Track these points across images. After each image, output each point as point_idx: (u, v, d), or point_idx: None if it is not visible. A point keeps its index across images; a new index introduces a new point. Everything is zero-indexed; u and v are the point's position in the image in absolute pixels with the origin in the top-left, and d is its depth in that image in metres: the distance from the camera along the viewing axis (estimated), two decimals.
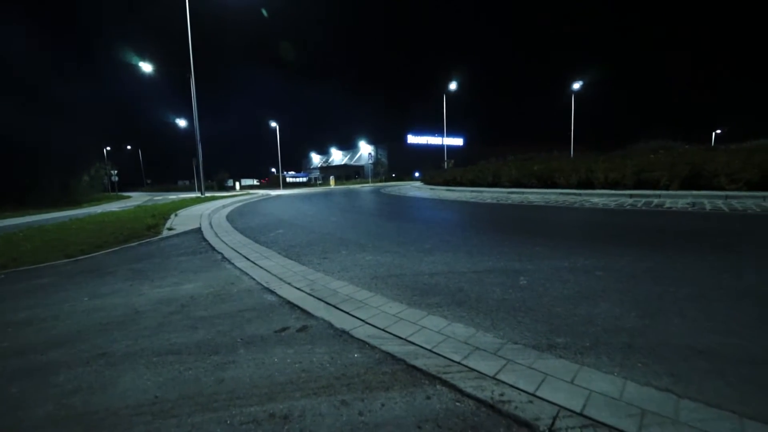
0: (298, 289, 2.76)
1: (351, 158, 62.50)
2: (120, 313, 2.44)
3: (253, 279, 3.10)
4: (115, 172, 36.12)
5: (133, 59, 17.15)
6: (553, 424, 1.20)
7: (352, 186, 33.39)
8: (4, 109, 18.69)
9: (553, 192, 10.68)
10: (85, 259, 4.36)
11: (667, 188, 8.68)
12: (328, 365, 1.63)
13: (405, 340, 1.84)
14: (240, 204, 12.97)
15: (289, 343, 1.86)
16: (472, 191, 13.51)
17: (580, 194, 9.76)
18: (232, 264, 3.68)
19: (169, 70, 18.44)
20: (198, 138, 16.32)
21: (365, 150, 59.68)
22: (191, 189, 37.79)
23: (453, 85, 34.52)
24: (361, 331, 1.96)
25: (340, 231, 5.62)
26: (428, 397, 1.37)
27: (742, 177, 7.42)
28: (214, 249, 4.52)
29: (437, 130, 49.51)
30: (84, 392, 1.52)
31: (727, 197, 7.21)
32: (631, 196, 8.58)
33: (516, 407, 1.28)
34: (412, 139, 57.16)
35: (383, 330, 1.97)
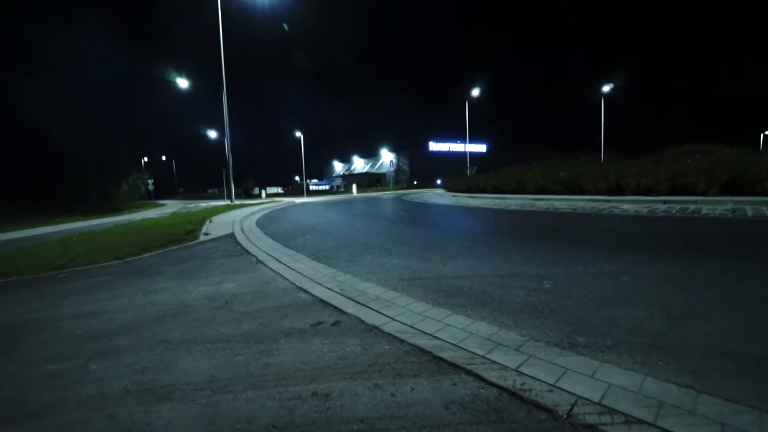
0: (329, 289, 2.95)
1: (372, 166, 63.16)
2: (172, 307, 2.71)
3: (287, 279, 3.32)
4: (151, 181, 38.15)
5: (170, 75, 18.24)
6: (571, 410, 1.31)
7: (373, 193, 33.80)
8: (60, 123, 20.36)
9: (581, 198, 10.50)
10: (134, 261, 4.75)
11: (704, 194, 8.39)
12: (361, 354, 1.80)
13: (431, 335, 1.99)
14: (267, 211, 13.46)
15: (324, 335, 2.05)
16: (496, 198, 13.45)
17: (609, 200, 9.57)
18: (267, 266, 3.93)
19: (202, 85, 19.48)
20: (229, 148, 17.09)
21: (386, 158, 60.14)
22: (220, 197, 39.35)
23: (476, 92, 34.45)
24: (390, 327, 2.12)
25: (364, 237, 5.81)
26: (454, 384, 1.51)
27: None
28: (248, 252, 4.81)
29: (459, 137, 49.42)
30: (151, 371, 1.76)
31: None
32: (665, 202, 8.35)
33: (536, 395, 1.40)
34: (433, 146, 57.20)
35: (410, 326, 2.12)
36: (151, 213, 18.03)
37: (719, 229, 5.15)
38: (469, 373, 1.58)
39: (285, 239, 5.83)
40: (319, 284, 3.08)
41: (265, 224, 8.42)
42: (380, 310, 2.39)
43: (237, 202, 18.64)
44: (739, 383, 1.45)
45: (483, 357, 1.72)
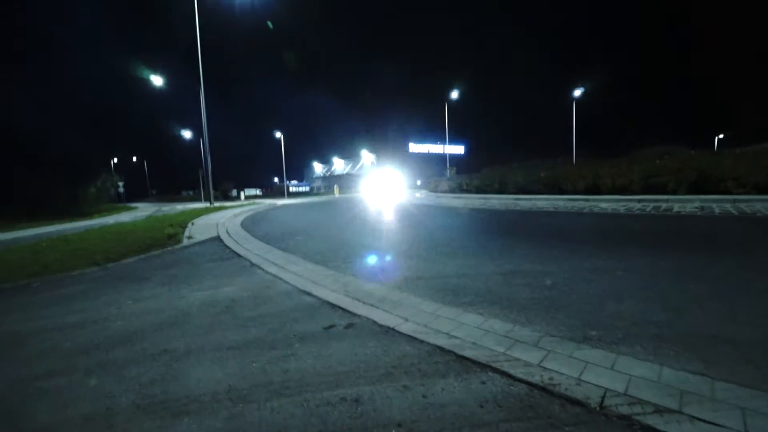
0: (334, 291, 2.89)
1: (353, 167, 62.93)
2: (169, 314, 2.58)
3: (287, 283, 3.23)
4: (122, 183, 36.55)
5: (143, 73, 17.55)
6: (602, 402, 1.33)
7: (356, 195, 33.69)
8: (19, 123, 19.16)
9: (561, 198, 10.81)
10: (114, 267, 4.51)
11: (674, 193, 8.80)
12: (382, 356, 1.76)
13: (448, 334, 1.97)
14: (250, 213, 13.14)
15: (340, 339, 2.00)
16: (479, 198, 13.65)
17: (588, 199, 9.88)
18: (262, 269, 3.82)
19: (176, 84, 18.85)
20: (207, 149, 16.60)
21: (367, 159, 60.07)
22: (196, 199, 38.11)
23: (454, 94, 34.93)
24: (406, 327, 2.09)
25: (357, 237, 5.76)
26: (483, 382, 1.49)
27: (750, 181, 7.55)
28: (239, 256, 4.66)
29: (438, 138, 49.88)
30: (160, 383, 1.66)
31: (735, 201, 7.32)
32: (639, 201, 8.70)
33: (566, 389, 1.41)
34: (413, 147, 57.58)
35: (425, 326, 2.10)
36: (123, 216, 17.26)
37: (693, 225, 5.40)
38: (495, 370, 1.58)
39: (276, 241, 5.69)
40: (322, 286, 3.01)
41: (250, 227, 8.20)
42: (391, 311, 2.36)
43: (216, 204, 18.12)
44: (747, 368, 1.52)
45: (504, 354, 1.72)
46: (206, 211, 13.56)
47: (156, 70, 17.22)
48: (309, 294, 2.85)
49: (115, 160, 49.74)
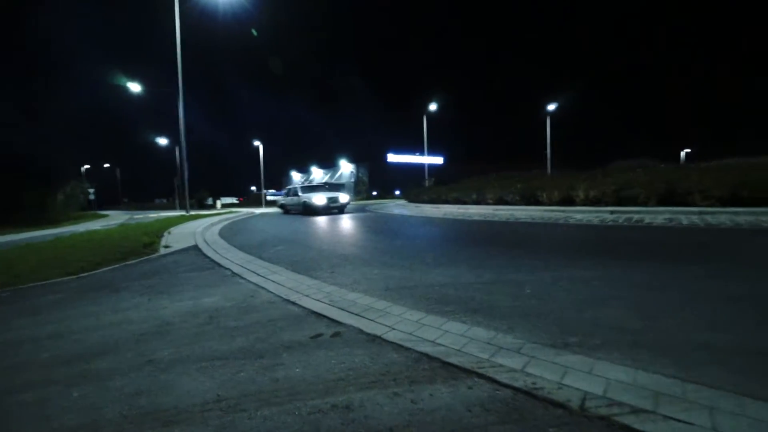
0: (318, 300, 2.90)
1: (332, 177, 62.77)
2: (151, 324, 2.53)
3: (271, 292, 3.22)
4: (92, 190, 35.24)
5: (118, 79, 17.13)
6: (582, 404, 1.40)
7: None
8: None
9: (537, 209, 11.13)
10: (89, 276, 4.37)
11: (645, 204, 9.22)
12: (370, 364, 1.79)
13: (434, 342, 2.02)
14: (228, 222, 12.93)
15: (327, 347, 2.02)
16: (458, 208, 13.89)
17: (563, 210, 10.22)
18: (245, 279, 3.79)
19: (152, 91, 18.47)
20: (184, 157, 16.27)
21: (346, 168, 60.06)
22: (170, 207, 37.10)
23: (433, 106, 35.63)
24: (391, 336, 2.13)
25: (339, 247, 5.77)
26: (470, 387, 1.55)
27: (714, 194, 8.01)
28: (220, 265, 4.60)
29: (417, 149, 50.34)
30: (147, 394, 1.63)
31: (701, 213, 7.74)
32: (612, 212, 9.07)
33: (549, 392, 1.48)
34: (392, 157, 57.92)
35: (411, 334, 2.14)
36: (94, 224, 16.62)
37: (663, 236, 5.69)
38: (480, 376, 1.63)
39: (256, 251, 5.63)
40: (307, 296, 3.02)
41: (229, 235, 8.08)
42: (377, 320, 2.39)
43: (192, 212, 17.71)
44: (718, 371, 1.62)
45: (489, 360, 1.78)
46: (182, 219, 13.25)
47: (131, 77, 16.87)
48: (294, 303, 2.86)
49: (87, 166, 47.98)
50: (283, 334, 2.24)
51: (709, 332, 2.05)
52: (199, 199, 44.94)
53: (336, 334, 2.20)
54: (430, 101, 35.75)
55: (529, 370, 1.68)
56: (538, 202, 12.01)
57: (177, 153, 16.33)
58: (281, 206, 17.83)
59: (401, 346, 1.98)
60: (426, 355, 1.87)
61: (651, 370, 1.65)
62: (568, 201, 11.14)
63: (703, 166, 11.99)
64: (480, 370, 1.68)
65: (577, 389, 1.51)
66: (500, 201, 13.30)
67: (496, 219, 9.80)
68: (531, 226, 7.91)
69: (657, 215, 8.16)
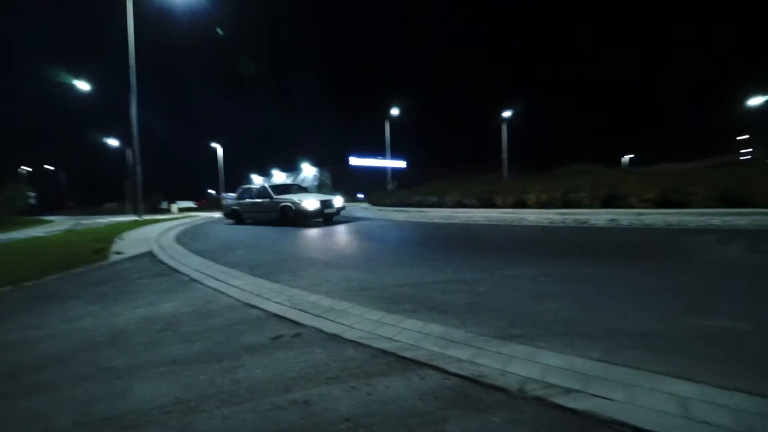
0: (279, 303, 2.92)
1: (294, 180, 61.73)
2: (105, 332, 2.45)
3: (231, 297, 3.19)
4: (33, 194, 32.44)
5: (63, 77, 15.99)
6: (522, 387, 1.55)
7: None
8: None
9: (494, 211, 11.63)
10: (35, 286, 4.09)
11: (589, 207, 9.92)
12: (330, 361, 1.86)
13: (391, 339, 2.13)
14: (185, 227, 12.42)
15: (288, 348, 2.06)
16: (420, 211, 14.18)
17: (517, 213, 10.75)
18: (203, 284, 3.71)
19: (102, 89, 17.42)
20: (138, 159, 15.45)
21: (308, 171, 59.32)
22: (120, 212, 34.86)
23: (395, 110, 36.14)
24: (351, 334, 2.21)
25: (301, 251, 5.76)
26: (422, 378, 1.66)
27: (649, 197, 8.77)
28: (177, 271, 4.46)
29: (381, 153, 50.68)
30: (103, 401, 1.61)
31: (639, 214, 8.44)
32: (561, 214, 9.66)
33: (492, 379, 1.62)
34: (355, 161, 57.97)
35: (370, 332, 2.23)
36: (36, 231, 15.34)
37: (605, 236, 6.17)
38: (433, 367, 1.75)
39: (215, 256, 5.50)
40: (268, 299, 3.03)
41: (187, 241, 7.79)
42: (337, 320, 2.46)
43: (146, 217, 16.82)
44: (639, 354, 1.84)
45: (441, 353, 1.91)
46: (135, 224, 12.58)
47: (82, 75, 15.81)
48: (254, 307, 2.86)
49: (27, 168, 44.06)
50: (244, 336, 2.26)
51: (638, 322, 2.29)
52: (153, 203, 42.59)
53: (297, 335, 2.24)
54: (393, 105, 36.23)
55: (477, 360, 1.82)
56: (494, 205, 12.55)
57: (130, 154, 15.43)
58: (232, 213, 12.47)
59: (360, 344, 2.06)
60: (383, 351, 1.96)
61: (584, 356, 1.84)
62: (521, 204, 11.73)
63: (640, 171, 13.07)
64: (432, 362, 1.80)
65: (517, 375, 1.66)
66: (459, 204, 13.76)
67: (455, 221, 10.13)
68: (487, 227, 8.27)
69: (600, 216, 8.80)
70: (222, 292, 3.35)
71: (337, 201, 11.08)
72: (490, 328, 2.25)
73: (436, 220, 10.80)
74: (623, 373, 1.65)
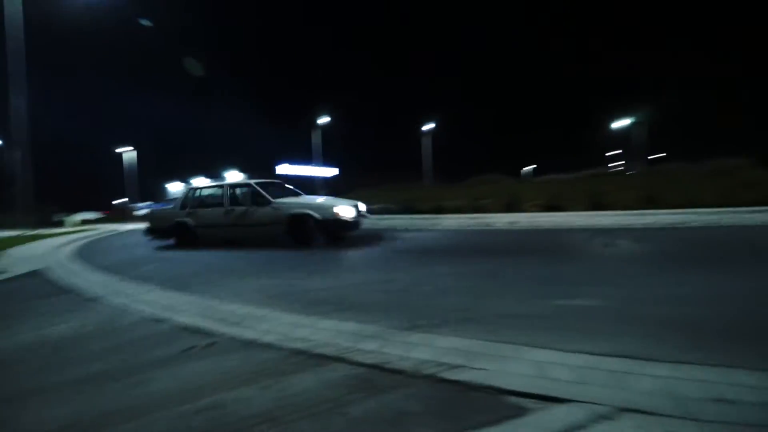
0: (194, 315, 2.81)
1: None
2: None
3: (140, 312, 2.98)
4: None
5: None
6: (417, 368, 1.75)
7: None
8: None
9: (415, 217, 12.24)
10: None
11: (495, 211, 10.98)
12: (244, 365, 1.88)
13: (306, 339, 2.20)
14: (88, 240, 10.98)
15: (201, 357, 2.03)
16: None
17: (436, 218, 11.46)
18: (109, 301, 3.39)
19: None
20: (27, 164, 13.25)
21: (234, 179, 55.97)
22: (3, 225, 29.30)
23: (325, 118, 36.16)
24: (267, 338, 2.23)
25: (220, 261, 5.52)
26: (333, 371, 1.77)
27: (539, 203, 10.00)
28: (75, 289, 3.98)
29: (310, 160, 49.71)
30: None
31: (533, 217, 9.58)
32: (472, 218, 10.54)
33: (394, 365, 1.79)
34: (285, 168, 55.85)
35: (285, 335, 2.28)
36: None
37: (506, 237, 6.92)
38: (342, 360, 1.87)
39: (123, 271, 4.99)
40: (182, 312, 2.89)
41: (89, 256, 6.92)
42: (254, 326, 2.46)
43: (41, 231, 14.44)
44: (514, 332, 2.15)
45: (352, 347, 2.03)
46: (25, 239, 10.77)
47: None
48: (166, 321, 2.71)
49: None
50: (154, 351, 2.15)
51: (516, 305, 2.68)
52: (46, 213, 36.52)
53: (210, 345, 2.20)
54: (323, 113, 36.11)
55: (384, 350, 1.98)
56: (416, 211, 13.22)
57: (14, 155, 13.06)
58: (174, 229, 7.56)
59: (275, 346, 2.11)
60: (297, 350, 2.03)
61: (470, 337, 2.11)
62: (439, 209, 12.55)
63: (534, 181, 14.85)
64: (343, 356, 1.92)
65: (415, 359, 1.86)
66: (385, 211, 14.23)
67: (378, 227, 10.46)
68: (407, 232, 8.70)
69: (502, 219, 9.81)
70: (130, 308, 3.10)
71: (362, 207, 7.30)
72: (398, 321, 2.43)
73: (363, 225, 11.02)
74: (499, 348, 1.94)
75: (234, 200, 7.34)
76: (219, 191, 7.64)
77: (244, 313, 2.77)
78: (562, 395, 1.46)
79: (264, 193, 7.04)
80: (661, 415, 1.30)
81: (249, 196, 7.30)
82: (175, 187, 63.69)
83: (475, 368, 1.73)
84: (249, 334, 2.33)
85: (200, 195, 7.94)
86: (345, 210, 6.53)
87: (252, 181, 7.52)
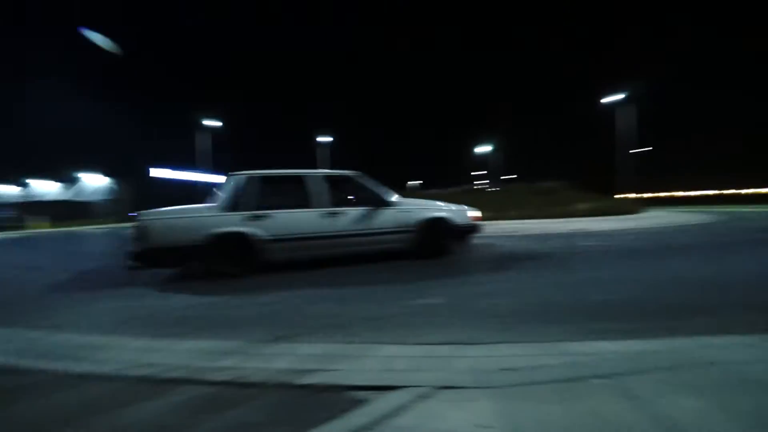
0: (11, 351, 2.26)
1: (78, 193, 46.80)
2: None
3: None
4: None
5: None
6: (272, 378, 1.75)
7: (81, 228, 25.09)
8: None
9: None
10: None
11: None
12: (71, 403, 1.61)
13: (154, 364, 1.98)
14: None
15: (11, 402, 1.65)
16: None
17: None
18: None
19: None
20: None
21: (93, 182, 46.46)
22: None
23: (216, 122, 33.12)
24: (108, 368, 1.94)
25: (59, 276, 4.54)
26: (182, 392, 1.65)
27: None
28: None
29: (189, 165, 44.15)
30: None
31: None
32: None
33: (250, 378, 1.76)
34: (161, 172, 48.28)
35: (132, 361, 2.02)
36: None
37: None
38: (193, 381, 1.75)
39: None
40: None
41: None
42: (90, 357, 2.11)
43: None
44: (370, 333, 2.32)
45: (207, 366, 1.92)
46: None
47: None
48: None
49: None
50: None
51: (377, 308, 2.89)
52: None
53: (22, 386, 1.81)
54: (212, 115, 32.90)
55: (243, 364, 1.93)
56: None
57: None
58: (206, 247, 4.20)
59: (116, 376, 1.85)
60: (144, 377, 1.82)
61: (332, 341, 2.21)
62: None
63: (418, 193, 16.25)
64: (196, 377, 1.80)
65: (274, 368, 1.86)
66: None
67: None
68: None
69: None
70: None
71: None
72: (260, 335, 2.38)
73: None
74: (355, 349, 2.09)
75: (324, 199, 4.88)
76: (296, 184, 4.88)
77: (80, 343, 2.34)
78: (398, 383, 1.65)
79: (375, 192, 5.16)
80: (466, 387, 1.59)
81: (352, 194, 5.26)
82: (9, 190, 48.74)
83: (329, 370, 1.83)
84: (84, 366, 1.98)
85: (262, 189, 4.69)
86: (477, 214, 5.79)
87: (350, 173, 5.24)
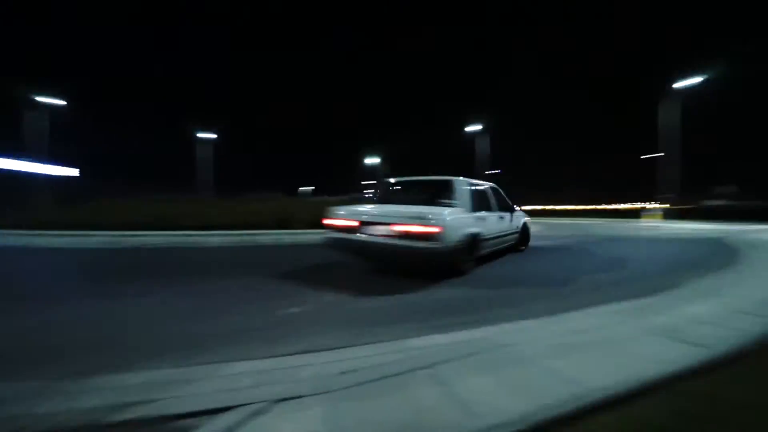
0: None
1: None
2: None
3: None
4: None
5: None
6: (73, 420, 1.47)
7: None
8: None
9: (179, 234, 10.64)
10: None
11: (267, 228, 10.97)
12: None
13: None
14: None
15: None
16: (74, 235, 10.87)
17: (202, 235, 10.34)
18: None
19: None
20: None
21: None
22: None
23: (59, 100, 26.35)
24: None
25: None
26: None
27: (303, 220, 10.74)
28: None
29: (26, 153, 34.21)
30: None
31: (297, 234, 10.13)
32: (239, 235, 10.14)
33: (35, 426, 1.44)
34: None
35: None
36: None
37: (270, 252, 6.98)
38: None
39: None
40: None
41: None
42: None
43: None
44: (231, 349, 2.17)
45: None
46: None
47: None
48: None
49: None
50: None
51: (213, 326, 2.70)
52: None
53: None
54: (52, 92, 26.04)
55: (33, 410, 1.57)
56: (181, 227, 11.48)
57: None
58: (463, 248, 4.32)
59: None
60: None
61: (159, 368, 1.97)
62: (210, 226, 11.38)
63: (308, 200, 15.89)
64: None
65: (78, 408, 1.56)
66: (136, 226, 11.64)
67: (125, 246, 8.52)
68: (165, 252, 7.47)
69: (271, 236, 9.93)
70: None
71: None
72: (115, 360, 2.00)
73: (99, 245, 8.62)
74: (196, 371, 1.90)
75: (495, 204, 5.64)
76: (482, 191, 5.51)
77: None
78: (235, 402, 1.56)
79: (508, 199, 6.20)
80: (303, 396, 1.59)
81: (494, 199, 5.73)
82: None
83: (160, 399, 1.62)
84: None
85: (476, 194, 5.21)
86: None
87: (494, 185, 6.03)
